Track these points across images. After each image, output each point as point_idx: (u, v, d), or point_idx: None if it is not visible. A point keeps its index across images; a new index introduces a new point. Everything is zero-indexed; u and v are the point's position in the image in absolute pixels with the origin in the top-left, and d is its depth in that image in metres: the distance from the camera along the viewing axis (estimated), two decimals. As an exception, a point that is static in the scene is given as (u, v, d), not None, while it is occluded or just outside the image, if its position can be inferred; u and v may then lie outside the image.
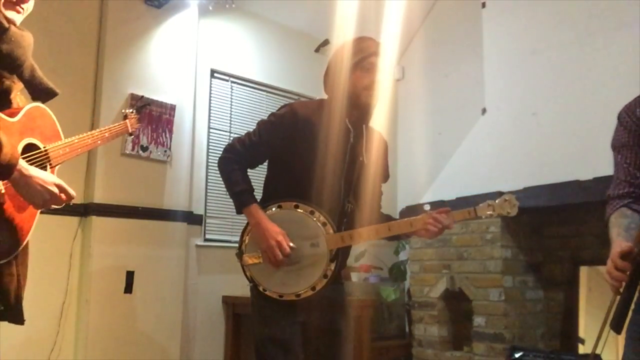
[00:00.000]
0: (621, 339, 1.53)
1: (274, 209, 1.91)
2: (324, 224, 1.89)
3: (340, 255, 1.92)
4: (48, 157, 1.49)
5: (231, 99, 4.17)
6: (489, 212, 1.91)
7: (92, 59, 3.41)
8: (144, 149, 3.46)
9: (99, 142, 1.77)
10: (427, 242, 3.72)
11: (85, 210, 3.27)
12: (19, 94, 1.51)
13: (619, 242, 1.41)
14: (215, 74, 4.07)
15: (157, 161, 3.54)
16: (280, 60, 4.39)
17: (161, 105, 3.56)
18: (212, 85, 4.04)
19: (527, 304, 3.36)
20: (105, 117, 3.29)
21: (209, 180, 3.92)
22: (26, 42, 1.45)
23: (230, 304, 3.80)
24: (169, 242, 3.53)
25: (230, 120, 4.14)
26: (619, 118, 1.64)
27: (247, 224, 1.95)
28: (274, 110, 2.04)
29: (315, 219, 1.89)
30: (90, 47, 3.42)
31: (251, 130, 1.99)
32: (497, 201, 1.90)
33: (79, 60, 3.34)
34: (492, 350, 3.26)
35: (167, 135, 3.58)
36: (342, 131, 1.94)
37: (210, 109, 4.01)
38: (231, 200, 1.98)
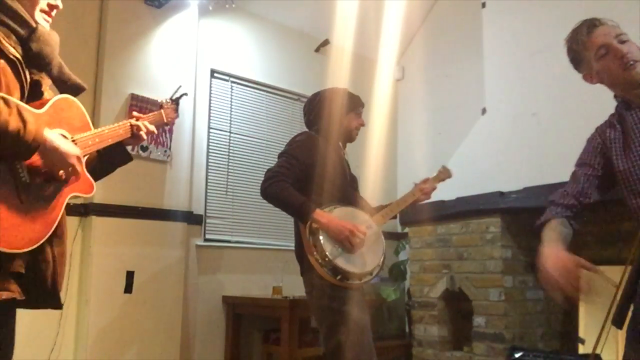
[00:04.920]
0: (621, 339, 1.53)
1: (331, 208, 2.26)
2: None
3: None
4: None
5: (231, 99, 4.17)
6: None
7: (92, 59, 3.41)
8: (144, 149, 3.46)
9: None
10: (427, 242, 3.72)
11: (85, 210, 3.27)
12: (48, 89, 1.54)
13: (562, 250, 1.47)
14: (215, 74, 4.07)
15: (157, 161, 3.54)
16: (280, 60, 4.39)
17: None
18: (212, 85, 4.04)
19: (527, 304, 3.35)
20: (105, 117, 3.29)
21: (209, 180, 3.91)
22: (53, 41, 1.51)
23: (230, 304, 3.80)
24: (169, 242, 3.53)
25: (230, 120, 4.14)
26: (588, 140, 1.72)
27: (299, 244, 2.27)
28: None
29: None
30: (91, 47, 3.42)
31: (282, 157, 2.30)
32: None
33: (79, 61, 3.33)
34: (492, 350, 3.26)
35: (167, 135, 3.58)
36: (339, 151, 2.44)
37: (210, 109, 4.01)
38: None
